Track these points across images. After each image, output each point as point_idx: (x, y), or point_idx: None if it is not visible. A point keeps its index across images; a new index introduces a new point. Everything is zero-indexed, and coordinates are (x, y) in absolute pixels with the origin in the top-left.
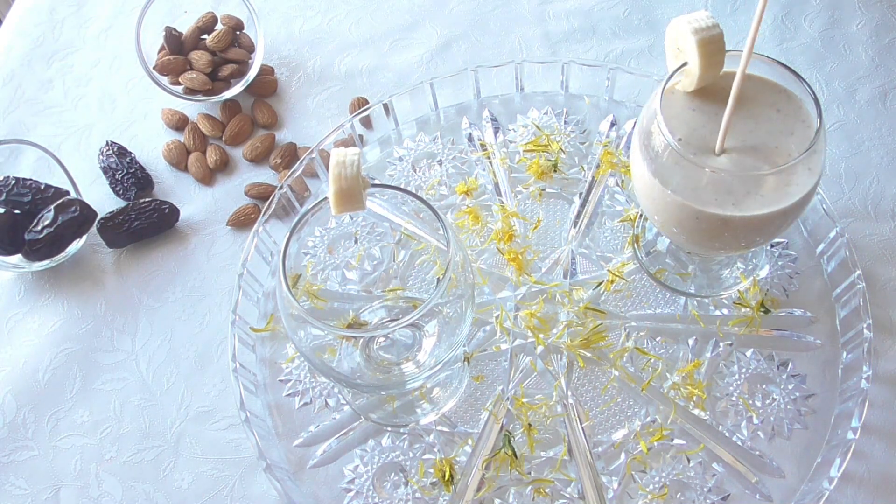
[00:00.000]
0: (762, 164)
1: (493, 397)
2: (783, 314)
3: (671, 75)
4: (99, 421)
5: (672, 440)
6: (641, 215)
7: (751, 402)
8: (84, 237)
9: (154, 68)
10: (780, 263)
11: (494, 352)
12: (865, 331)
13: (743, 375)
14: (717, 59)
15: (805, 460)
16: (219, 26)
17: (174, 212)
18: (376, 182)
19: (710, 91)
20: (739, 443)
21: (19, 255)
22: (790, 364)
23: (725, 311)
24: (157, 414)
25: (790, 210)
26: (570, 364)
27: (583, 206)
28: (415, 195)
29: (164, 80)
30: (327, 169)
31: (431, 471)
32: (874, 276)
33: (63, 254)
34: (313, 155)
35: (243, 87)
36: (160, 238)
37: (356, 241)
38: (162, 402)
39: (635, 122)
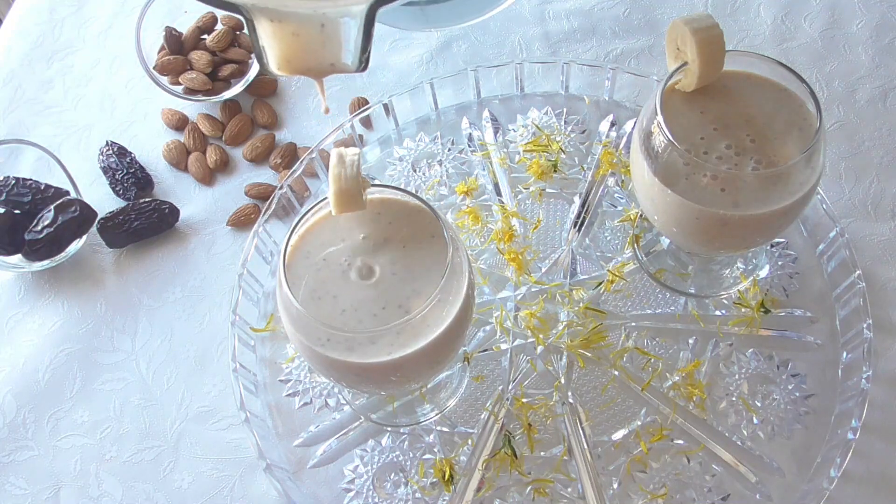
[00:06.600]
0: (761, 165)
1: (493, 397)
2: (783, 314)
3: (671, 75)
4: (99, 421)
5: (672, 440)
6: (641, 215)
7: (751, 402)
8: (84, 237)
9: (154, 68)
10: (780, 263)
11: (494, 352)
12: (865, 331)
13: (743, 375)
14: (717, 58)
15: (805, 460)
16: (219, 26)
17: (174, 212)
18: (376, 182)
19: (710, 91)
20: (739, 443)
21: (19, 255)
22: (790, 364)
23: (725, 311)
24: (157, 414)
25: (790, 209)
26: (570, 364)
27: (583, 206)
28: (415, 195)
29: (164, 80)
30: (327, 169)
31: (431, 471)
32: (874, 276)
33: (63, 254)
34: (313, 155)
35: (243, 87)
36: (160, 238)
37: None
38: (162, 402)
39: (635, 122)
